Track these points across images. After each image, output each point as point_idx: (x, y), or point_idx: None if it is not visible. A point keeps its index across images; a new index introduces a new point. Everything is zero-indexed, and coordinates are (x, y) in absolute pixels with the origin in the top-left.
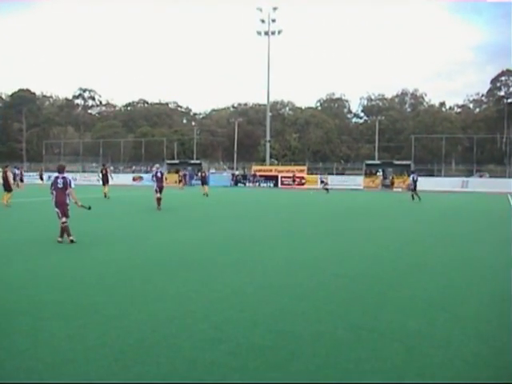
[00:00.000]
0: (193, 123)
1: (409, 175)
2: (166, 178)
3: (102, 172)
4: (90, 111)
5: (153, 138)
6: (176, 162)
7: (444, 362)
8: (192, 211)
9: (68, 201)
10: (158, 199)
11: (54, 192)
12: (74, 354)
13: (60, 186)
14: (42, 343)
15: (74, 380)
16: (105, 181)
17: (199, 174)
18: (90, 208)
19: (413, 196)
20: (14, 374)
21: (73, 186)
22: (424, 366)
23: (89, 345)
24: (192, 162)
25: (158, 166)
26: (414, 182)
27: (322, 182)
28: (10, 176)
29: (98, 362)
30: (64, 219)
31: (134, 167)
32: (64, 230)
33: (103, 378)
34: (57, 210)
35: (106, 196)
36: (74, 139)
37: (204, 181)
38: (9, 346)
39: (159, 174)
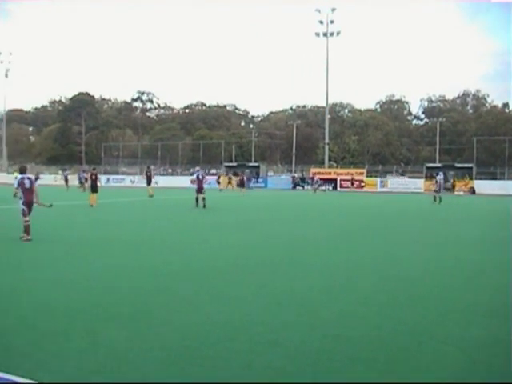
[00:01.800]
0: (251, 126)
1: (471, 178)
2: (206, 180)
3: (146, 174)
4: (148, 114)
5: (211, 140)
6: (234, 164)
7: (507, 373)
8: (248, 214)
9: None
10: (201, 199)
11: (23, 193)
12: (132, 355)
13: (27, 186)
14: (100, 344)
15: (132, 381)
16: (149, 182)
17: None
18: (51, 205)
19: (435, 198)
20: (73, 374)
21: (37, 185)
22: (486, 377)
23: (146, 347)
24: (250, 164)
25: (198, 168)
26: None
27: (316, 182)
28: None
29: (156, 364)
30: (27, 218)
31: (191, 170)
32: (27, 228)
33: (161, 380)
34: (24, 207)
35: (151, 195)
36: (132, 142)
37: (243, 183)
38: (68, 346)
39: (200, 176)
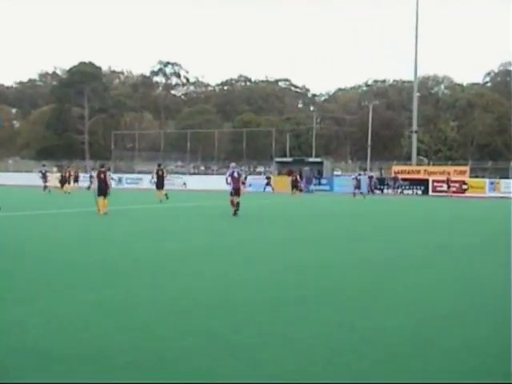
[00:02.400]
0: (311, 108)
1: None
2: (243, 181)
3: (157, 173)
4: (173, 92)
5: (257, 127)
6: (288, 160)
7: None
8: (303, 226)
9: None
10: (233, 202)
11: None
12: None
13: None
14: None
15: None
16: (160, 184)
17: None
18: None
19: None
20: None
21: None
22: None
23: None
24: (310, 160)
25: (233, 164)
26: None
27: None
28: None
29: None
30: None
31: (231, 167)
32: None
33: None
34: None
35: (161, 201)
36: (152, 129)
37: (295, 184)
38: None
39: (236, 174)
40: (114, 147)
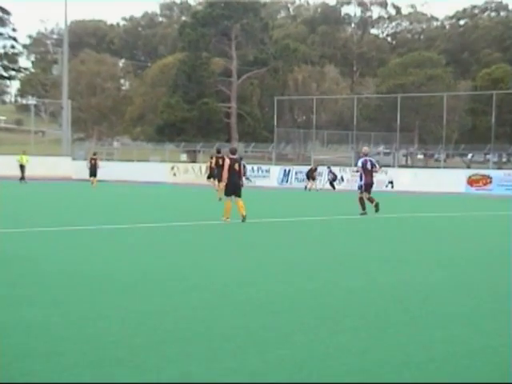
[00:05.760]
0: None
1: None
2: (377, 170)
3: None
4: (373, 31)
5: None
6: None
7: None
8: None
9: None
10: (362, 200)
11: None
12: None
13: None
14: None
15: None
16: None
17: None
18: None
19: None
20: None
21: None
22: None
23: None
24: None
25: (366, 150)
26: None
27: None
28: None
29: None
30: None
31: (470, 155)
32: None
33: None
34: None
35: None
36: (338, 93)
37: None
38: None
39: (369, 165)
40: (276, 122)
